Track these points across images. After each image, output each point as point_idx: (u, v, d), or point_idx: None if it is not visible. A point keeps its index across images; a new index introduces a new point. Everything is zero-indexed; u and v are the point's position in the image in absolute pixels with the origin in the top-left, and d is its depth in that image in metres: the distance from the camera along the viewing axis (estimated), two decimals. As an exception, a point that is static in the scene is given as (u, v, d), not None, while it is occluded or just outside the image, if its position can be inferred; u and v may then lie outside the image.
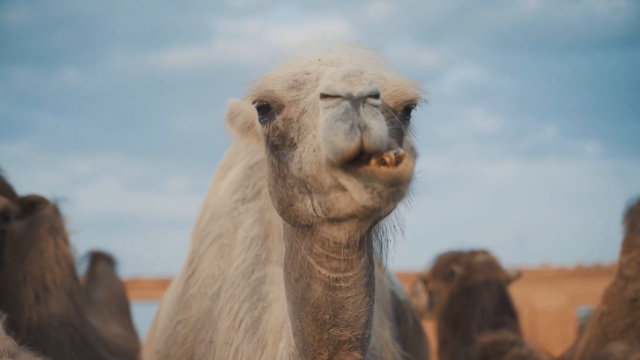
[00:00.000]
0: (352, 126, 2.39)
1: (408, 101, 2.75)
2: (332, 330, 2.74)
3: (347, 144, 2.38)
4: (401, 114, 2.74)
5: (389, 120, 2.63)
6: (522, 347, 4.78)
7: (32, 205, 5.06)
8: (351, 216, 2.55)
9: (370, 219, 2.60)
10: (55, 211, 5.54)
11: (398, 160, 2.43)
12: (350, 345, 2.76)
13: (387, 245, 2.98)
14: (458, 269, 7.16)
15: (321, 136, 2.44)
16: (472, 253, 7.33)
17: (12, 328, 3.54)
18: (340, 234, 2.62)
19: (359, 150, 2.39)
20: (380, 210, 2.48)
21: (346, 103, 2.41)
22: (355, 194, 2.46)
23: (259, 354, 3.36)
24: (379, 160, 2.43)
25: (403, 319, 4.36)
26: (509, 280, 7.29)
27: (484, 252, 7.37)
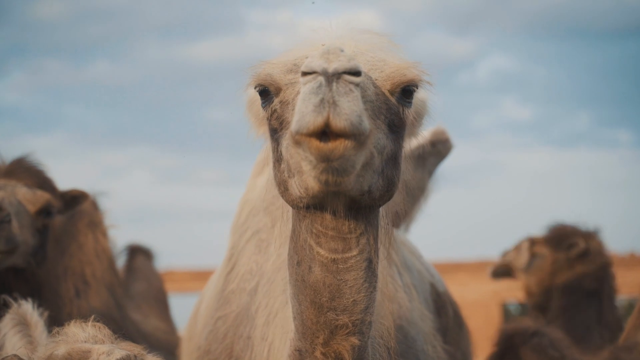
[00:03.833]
0: (322, 100, 2.36)
1: (405, 82, 2.69)
2: (328, 314, 2.72)
3: (314, 118, 2.35)
4: (399, 97, 2.70)
5: (384, 102, 2.63)
6: (543, 337, 4.77)
7: (73, 200, 5.05)
8: (320, 192, 2.53)
9: (347, 197, 2.57)
10: (94, 205, 5.58)
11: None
12: (347, 330, 2.74)
13: (390, 231, 3.00)
14: (582, 244, 7.15)
15: (295, 110, 2.43)
16: (590, 234, 7.29)
17: (53, 323, 3.57)
18: (328, 209, 2.63)
19: (324, 126, 2.36)
20: (322, 180, 2.46)
21: (320, 78, 2.39)
22: (303, 164, 2.47)
23: None
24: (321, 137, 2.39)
25: (443, 311, 4.36)
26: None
27: (595, 235, 7.37)
